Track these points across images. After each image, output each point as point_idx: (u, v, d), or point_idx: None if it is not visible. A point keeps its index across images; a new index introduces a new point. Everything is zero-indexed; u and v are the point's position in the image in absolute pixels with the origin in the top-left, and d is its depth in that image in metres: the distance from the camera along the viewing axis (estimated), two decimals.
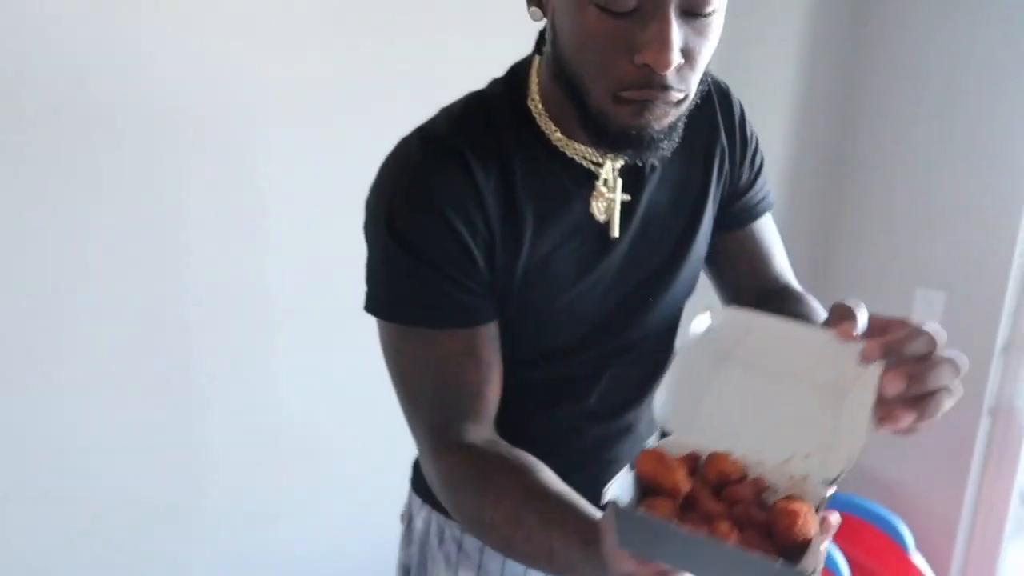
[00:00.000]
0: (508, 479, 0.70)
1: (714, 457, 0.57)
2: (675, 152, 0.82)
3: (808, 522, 0.49)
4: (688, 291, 0.90)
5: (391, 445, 1.05)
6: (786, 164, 2.17)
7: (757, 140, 0.91)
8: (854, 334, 0.58)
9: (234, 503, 1.40)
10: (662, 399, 0.59)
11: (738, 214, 0.91)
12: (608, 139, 0.70)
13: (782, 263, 0.96)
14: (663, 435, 0.60)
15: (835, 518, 0.53)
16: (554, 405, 0.86)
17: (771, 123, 2.10)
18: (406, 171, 0.74)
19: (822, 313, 0.86)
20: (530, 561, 0.69)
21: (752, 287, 0.94)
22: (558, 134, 0.76)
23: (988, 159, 1.99)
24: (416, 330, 0.74)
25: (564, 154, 0.77)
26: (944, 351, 0.56)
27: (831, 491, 0.54)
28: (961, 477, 2.08)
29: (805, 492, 0.55)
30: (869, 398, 0.54)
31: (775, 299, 0.91)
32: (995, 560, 2.12)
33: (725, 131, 0.87)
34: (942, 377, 0.55)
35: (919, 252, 2.14)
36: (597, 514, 0.63)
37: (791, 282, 0.95)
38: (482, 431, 0.76)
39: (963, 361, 0.57)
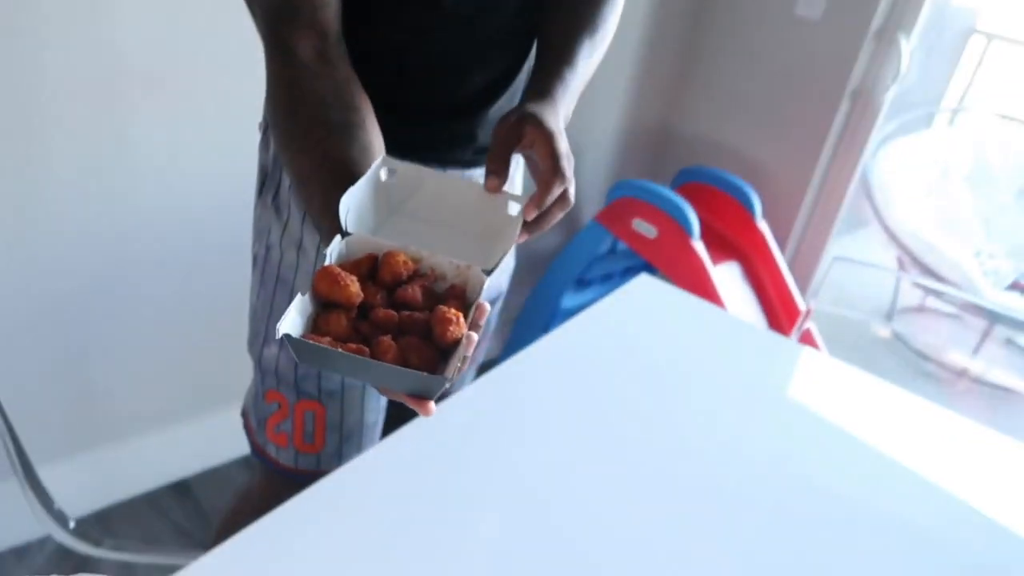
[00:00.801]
0: (316, 133, 0.70)
1: (388, 257, 0.63)
2: None
3: (459, 326, 0.58)
4: None
5: (249, 61, 1.03)
6: None
7: None
8: (501, 189, 0.72)
9: (80, 155, 1.37)
10: (344, 210, 0.64)
11: None
12: None
13: None
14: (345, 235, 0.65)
15: (487, 306, 0.62)
16: (405, 7, 0.84)
17: None
18: None
19: (600, 35, 0.88)
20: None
21: None
22: None
23: None
24: None
25: None
26: (569, 183, 0.72)
27: (487, 281, 0.63)
28: (813, 155, 2.26)
29: (468, 279, 0.64)
30: (514, 234, 0.69)
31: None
32: (828, 231, 2.39)
33: None
34: (558, 218, 0.73)
35: None
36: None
37: None
38: (318, 38, 0.74)
39: (572, 197, 0.73)
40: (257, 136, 0.98)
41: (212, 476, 1.83)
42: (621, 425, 0.97)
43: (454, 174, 0.93)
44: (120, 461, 1.69)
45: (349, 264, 0.62)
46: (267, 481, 1.08)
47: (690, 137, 2.44)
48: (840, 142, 2.27)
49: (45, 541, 1.07)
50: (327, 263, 0.60)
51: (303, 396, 0.98)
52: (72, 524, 1.07)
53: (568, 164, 0.72)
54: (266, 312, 0.99)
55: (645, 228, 1.99)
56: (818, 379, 1.16)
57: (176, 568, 0.68)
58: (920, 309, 3.12)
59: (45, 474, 1.13)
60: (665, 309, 1.29)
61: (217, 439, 1.76)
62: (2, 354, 1.18)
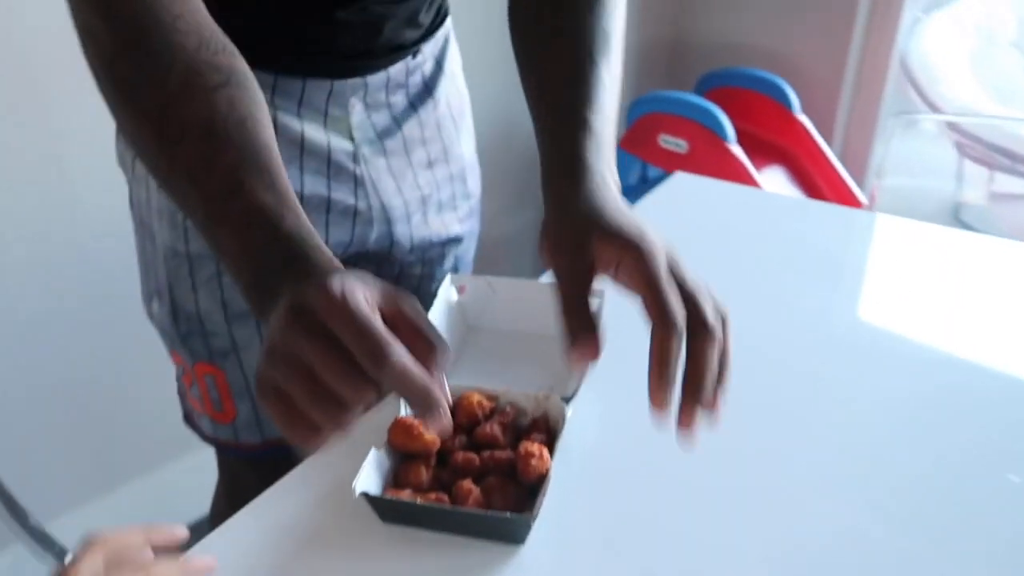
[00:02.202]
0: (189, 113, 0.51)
1: (461, 400, 0.61)
2: None
3: (543, 460, 0.56)
4: None
5: None
6: None
7: None
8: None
9: None
10: None
11: None
12: None
13: None
14: None
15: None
16: None
17: None
18: None
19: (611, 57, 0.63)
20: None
21: None
22: None
23: None
24: None
25: None
26: (703, 304, 0.47)
27: (569, 410, 0.61)
28: (844, 37, 2.05)
29: (549, 409, 0.61)
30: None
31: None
32: (875, 117, 2.17)
33: None
34: (714, 361, 0.47)
35: None
36: (300, 213, 0.50)
37: None
38: None
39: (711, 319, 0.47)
40: None
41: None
42: None
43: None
44: None
45: None
46: (220, 464, 0.96)
47: (707, 40, 2.24)
48: (871, 19, 2.06)
49: None
50: (400, 415, 0.58)
51: (197, 358, 0.81)
52: None
53: (671, 285, 0.47)
54: (143, 261, 0.83)
55: (674, 143, 1.82)
56: (891, 241, 1.00)
57: None
58: (992, 197, 2.87)
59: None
60: (711, 202, 1.12)
61: None
62: None
